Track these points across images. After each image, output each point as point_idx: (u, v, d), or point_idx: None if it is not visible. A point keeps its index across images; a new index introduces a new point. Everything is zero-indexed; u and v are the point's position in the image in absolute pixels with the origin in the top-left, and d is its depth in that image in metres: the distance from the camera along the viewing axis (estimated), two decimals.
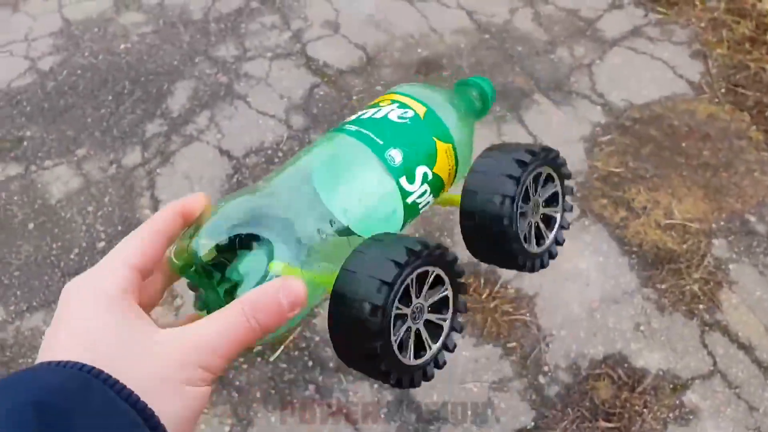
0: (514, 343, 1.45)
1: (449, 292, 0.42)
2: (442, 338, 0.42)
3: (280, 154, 1.81)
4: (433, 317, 0.41)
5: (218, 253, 0.36)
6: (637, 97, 1.94)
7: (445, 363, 0.42)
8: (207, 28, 2.19)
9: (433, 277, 0.40)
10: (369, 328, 0.37)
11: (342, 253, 0.39)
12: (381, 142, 0.43)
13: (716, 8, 2.20)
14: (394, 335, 0.38)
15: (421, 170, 0.44)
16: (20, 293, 1.58)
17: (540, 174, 0.48)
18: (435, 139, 0.45)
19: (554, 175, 0.49)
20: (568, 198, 0.51)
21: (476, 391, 1.39)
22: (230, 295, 0.35)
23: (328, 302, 0.41)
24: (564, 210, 0.51)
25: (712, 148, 1.80)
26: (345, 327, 0.38)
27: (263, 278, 0.36)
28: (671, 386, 1.39)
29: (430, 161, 0.45)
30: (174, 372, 0.30)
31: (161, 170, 1.80)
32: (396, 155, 0.43)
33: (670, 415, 1.36)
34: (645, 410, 1.36)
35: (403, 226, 0.45)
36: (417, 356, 0.40)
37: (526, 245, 0.47)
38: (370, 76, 2.01)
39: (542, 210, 0.48)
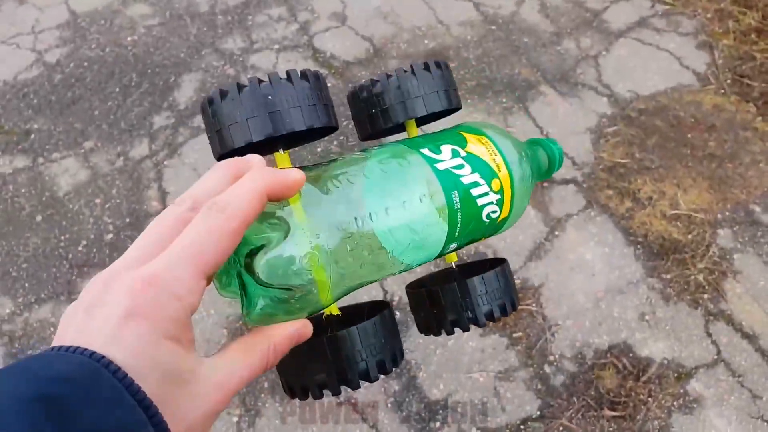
0: (519, 333, 1.46)
1: None
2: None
3: None
4: None
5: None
6: (643, 88, 1.94)
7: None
8: (214, 20, 2.19)
9: None
10: (329, 386, 0.41)
11: (361, 256, 0.39)
12: (456, 235, 0.44)
13: None
14: None
15: (453, 246, 0.46)
16: (28, 285, 1.59)
17: None
18: (484, 237, 0.48)
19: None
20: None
21: (482, 380, 1.40)
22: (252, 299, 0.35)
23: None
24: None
25: (717, 139, 1.80)
26: (317, 360, 0.41)
27: (287, 306, 0.35)
28: (675, 375, 1.40)
29: (462, 247, 0.47)
30: (207, 420, 0.30)
31: (169, 162, 1.81)
32: (453, 247, 0.45)
33: (675, 403, 1.36)
34: (650, 399, 1.37)
35: None
36: None
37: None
38: (377, 67, 2.02)
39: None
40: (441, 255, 0.45)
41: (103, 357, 0.27)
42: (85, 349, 0.27)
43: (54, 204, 1.74)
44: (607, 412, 1.35)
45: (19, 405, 0.25)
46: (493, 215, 0.45)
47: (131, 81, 2.02)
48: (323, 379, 0.40)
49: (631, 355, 1.43)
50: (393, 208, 0.39)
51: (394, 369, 0.43)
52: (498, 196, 0.45)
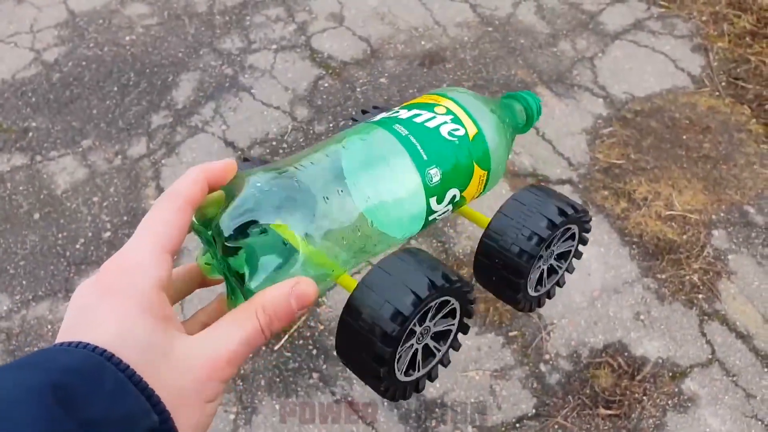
0: (515, 332, 1.47)
1: (453, 329, 0.44)
2: (429, 366, 0.43)
3: (285, 145, 1.82)
4: (431, 343, 0.43)
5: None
6: (638, 90, 1.95)
7: (423, 388, 0.43)
8: (212, 20, 2.20)
9: (449, 308, 0.42)
10: (377, 351, 0.38)
11: (347, 235, 0.39)
12: (425, 158, 0.42)
13: (717, 2, 2.21)
14: (398, 351, 0.40)
15: (451, 192, 0.44)
16: (26, 283, 1.59)
17: (569, 230, 0.49)
18: (475, 164, 0.45)
19: (577, 235, 0.50)
20: (575, 260, 0.52)
21: (478, 379, 1.41)
22: (241, 276, 0.36)
23: (332, 291, 0.42)
24: (567, 269, 0.52)
25: (712, 141, 1.81)
26: (354, 340, 0.40)
27: (279, 269, 0.36)
28: (670, 374, 1.41)
29: (463, 185, 0.45)
30: (198, 390, 0.31)
31: (166, 161, 1.81)
32: (435, 174, 0.43)
33: (669, 402, 1.37)
34: (644, 398, 1.38)
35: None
36: (406, 374, 0.42)
37: (528, 286, 0.48)
38: (374, 68, 2.02)
39: (552, 261, 0.50)
40: (430, 194, 0.43)
41: (105, 350, 0.28)
42: (87, 344, 0.28)
43: (52, 202, 1.74)
44: (603, 411, 1.36)
45: (30, 394, 0.26)
46: (457, 132, 0.44)
47: (129, 80, 2.02)
48: (373, 351, 0.39)
49: (626, 354, 1.44)
50: (359, 145, 0.42)
51: (439, 296, 0.39)
52: (449, 116, 0.45)
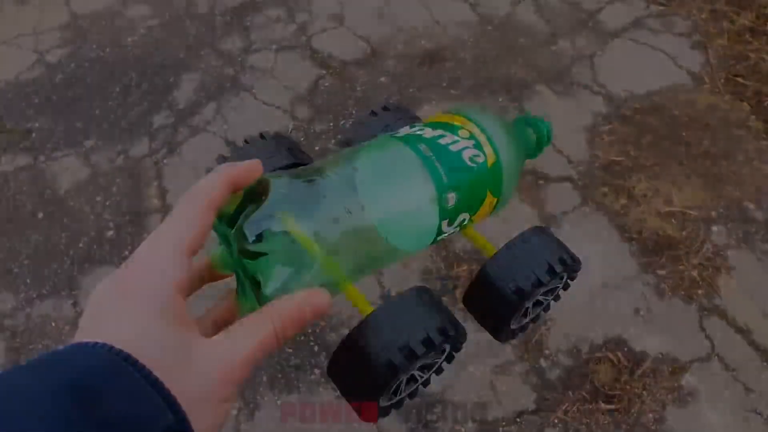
0: None
1: (439, 361, 0.45)
2: (411, 389, 0.44)
3: None
4: (416, 373, 0.44)
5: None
6: (638, 88, 1.96)
7: (402, 406, 0.45)
8: (213, 21, 2.21)
9: (441, 349, 0.43)
10: (377, 378, 0.39)
11: (361, 247, 0.40)
12: (446, 181, 0.43)
13: (717, 0, 2.22)
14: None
15: (462, 216, 0.45)
16: (30, 281, 1.61)
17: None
18: (488, 191, 0.46)
19: (565, 279, 0.52)
20: (561, 292, 0.53)
21: (478, 374, 1.42)
22: (256, 281, 0.36)
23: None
24: (553, 299, 0.53)
25: (711, 138, 1.82)
26: (345, 374, 0.41)
27: (294, 276, 0.36)
28: (670, 369, 1.41)
29: (474, 210, 0.46)
30: (214, 391, 0.31)
31: (168, 161, 1.82)
32: (452, 198, 0.43)
33: (669, 396, 1.38)
34: (644, 392, 1.38)
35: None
36: (388, 399, 0.43)
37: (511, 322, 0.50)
38: (374, 67, 2.03)
39: (539, 296, 0.51)
40: (443, 217, 0.44)
41: (122, 351, 0.28)
42: (105, 344, 0.29)
43: (55, 201, 1.75)
44: (603, 406, 1.37)
45: (46, 393, 0.26)
46: (478, 159, 0.45)
47: (131, 81, 2.03)
48: (360, 391, 0.40)
49: (626, 349, 1.44)
50: (380, 160, 0.43)
51: (433, 349, 0.41)
52: (471, 141, 0.46)
